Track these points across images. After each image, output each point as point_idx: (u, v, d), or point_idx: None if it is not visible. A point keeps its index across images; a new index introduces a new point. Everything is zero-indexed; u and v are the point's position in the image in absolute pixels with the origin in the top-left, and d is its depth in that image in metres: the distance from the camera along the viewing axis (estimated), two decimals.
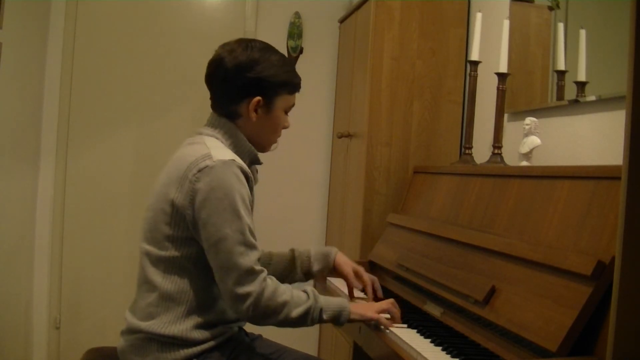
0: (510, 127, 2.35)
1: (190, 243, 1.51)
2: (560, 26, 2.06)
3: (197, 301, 1.51)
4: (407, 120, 2.70)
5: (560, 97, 2.04)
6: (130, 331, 1.55)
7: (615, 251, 0.99)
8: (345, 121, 3.12)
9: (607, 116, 1.81)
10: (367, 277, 1.85)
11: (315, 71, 3.45)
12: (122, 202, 3.32)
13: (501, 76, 2.18)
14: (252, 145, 1.64)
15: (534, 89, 2.27)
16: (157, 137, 3.34)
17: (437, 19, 2.73)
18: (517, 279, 1.50)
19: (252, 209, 1.58)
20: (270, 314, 1.48)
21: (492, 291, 1.54)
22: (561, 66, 2.03)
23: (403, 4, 2.69)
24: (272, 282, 1.50)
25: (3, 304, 2.81)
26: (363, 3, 2.87)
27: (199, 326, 1.51)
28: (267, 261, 1.83)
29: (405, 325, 1.65)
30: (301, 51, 3.46)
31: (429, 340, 1.53)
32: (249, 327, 1.71)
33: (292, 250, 1.85)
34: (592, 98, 1.87)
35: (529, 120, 2.03)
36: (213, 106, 1.66)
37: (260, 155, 1.69)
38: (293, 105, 1.69)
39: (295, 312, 1.50)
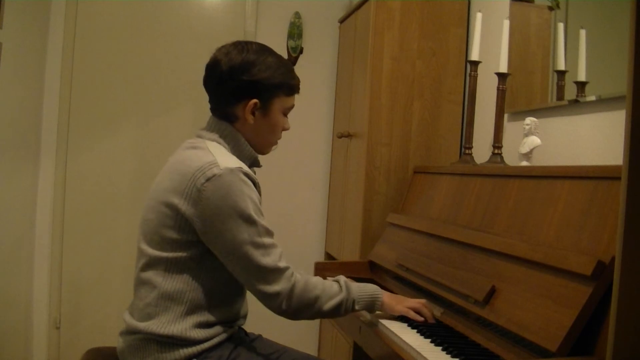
0: (510, 127, 2.35)
1: (196, 245, 1.51)
2: (560, 26, 2.06)
3: (197, 301, 1.51)
4: (407, 120, 2.70)
5: (560, 97, 2.04)
6: (129, 332, 1.55)
7: (615, 251, 0.99)
8: (345, 121, 3.12)
9: (607, 116, 1.81)
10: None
11: (315, 71, 3.45)
12: (122, 202, 3.32)
13: (501, 76, 2.18)
14: (251, 147, 1.64)
15: (534, 89, 2.26)
16: (157, 136, 3.34)
17: (437, 19, 2.73)
18: (517, 279, 1.49)
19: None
20: (303, 309, 1.52)
21: (492, 291, 1.54)
22: (561, 66, 2.03)
23: (403, 4, 2.69)
24: (301, 277, 1.52)
25: (3, 304, 2.81)
26: (363, 3, 2.87)
27: (198, 325, 1.51)
28: None
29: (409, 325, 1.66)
30: (301, 51, 3.46)
31: (429, 340, 1.53)
32: (249, 327, 1.71)
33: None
34: (592, 98, 1.87)
35: (529, 120, 2.03)
36: (212, 109, 1.66)
37: (260, 156, 1.69)
38: (292, 106, 1.68)
39: (328, 305, 1.54)
